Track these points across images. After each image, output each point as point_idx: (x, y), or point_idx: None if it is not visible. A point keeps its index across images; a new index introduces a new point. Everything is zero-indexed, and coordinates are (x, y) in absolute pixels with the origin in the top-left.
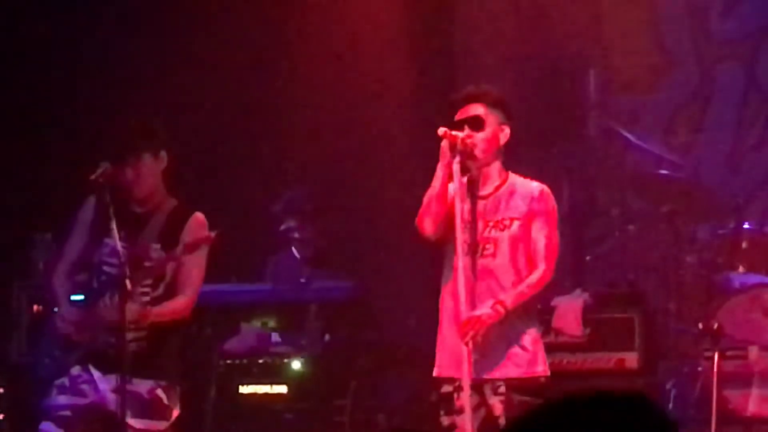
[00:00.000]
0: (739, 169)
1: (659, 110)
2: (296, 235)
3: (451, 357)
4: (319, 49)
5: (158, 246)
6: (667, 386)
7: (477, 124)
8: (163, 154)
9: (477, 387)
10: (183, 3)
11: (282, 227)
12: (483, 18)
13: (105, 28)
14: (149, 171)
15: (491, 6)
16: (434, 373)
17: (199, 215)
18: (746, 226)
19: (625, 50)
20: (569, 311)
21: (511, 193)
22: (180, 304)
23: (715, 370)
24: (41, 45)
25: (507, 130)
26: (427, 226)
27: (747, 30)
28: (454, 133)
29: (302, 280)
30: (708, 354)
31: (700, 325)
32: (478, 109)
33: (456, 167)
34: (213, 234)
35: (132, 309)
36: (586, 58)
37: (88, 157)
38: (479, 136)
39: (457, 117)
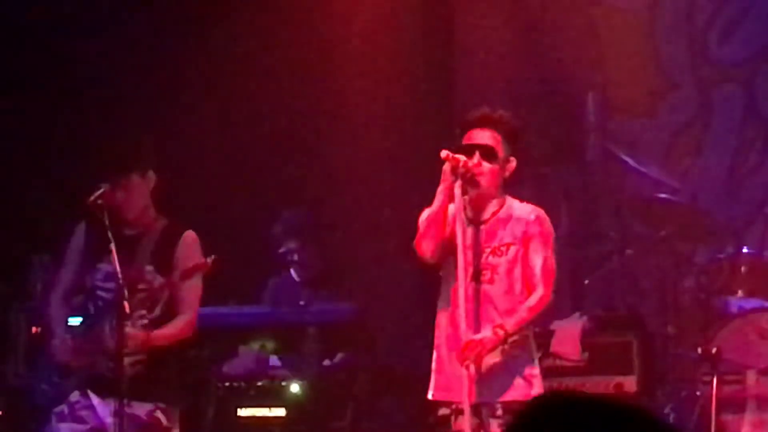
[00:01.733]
0: (737, 193)
1: (658, 134)
2: (295, 257)
3: (448, 380)
4: (317, 69)
5: (151, 268)
6: (666, 410)
7: (490, 154)
8: (151, 174)
9: (475, 410)
10: (176, 21)
11: (281, 250)
12: (481, 39)
13: (100, 48)
14: (138, 191)
15: (489, 27)
16: (430, 397)
17: (190, 233)
18: (745, 250)
19: (624, 73)
20: (568, 335)
21: (508, 218)
22: (182, 324)
23: (714, 394)
24: (39, 69)
25: (513, 163)
26: (426, 248)
27: (746, 54)
28: (456, 156)
29: (301, 303)
30: (706, 378)
31: (699, 350)
32: (489, 137)
33: (457, 190)
34: (210, 260)
35: (133, 335)
36: (585, 81)
37: (85, 178)
38: (488, 167)
39: (468, 140)
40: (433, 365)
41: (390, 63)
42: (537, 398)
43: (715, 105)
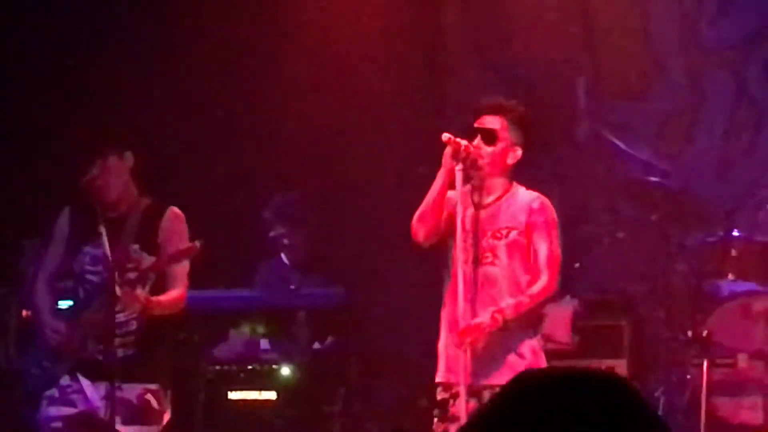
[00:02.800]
0: (728, 176)
1: (649, 118)
2: (285, 241)
3: (450, 363)
4: (307, 55)
5: (137, 247)
6: (656, 394)
7: (489, 137)
8: (129, 154)
9: (475, 393)
10: (167, 4)
11: (271, 233)
12: (472, 22)
13: (88, 31)
14: (116, 173)
15: (480, 11)
16: (437, 380)
17: (174, 209)
18: (736, 233)
19: (615, 58)
20: (559, 318)
21: (511, 204)
22: (175, 296)
23: (705, 377)
24: (18, 54)
25: (519, 152)
26: (421, 232)
27: (737, 38)
28: (457, 140)
29: (291, 287)
30: (697, 362)
31: (690, 333)
32: (495, 123)
33: (458, 174)
34: (198, 244)
35: (134, 296)
36: (576, 65)
37: (77, 160)
38: (487, 150)
39: (477, 124)
40: (439, 348)
41: (381, 46)
42: (509, 383)
43: (706, 89)
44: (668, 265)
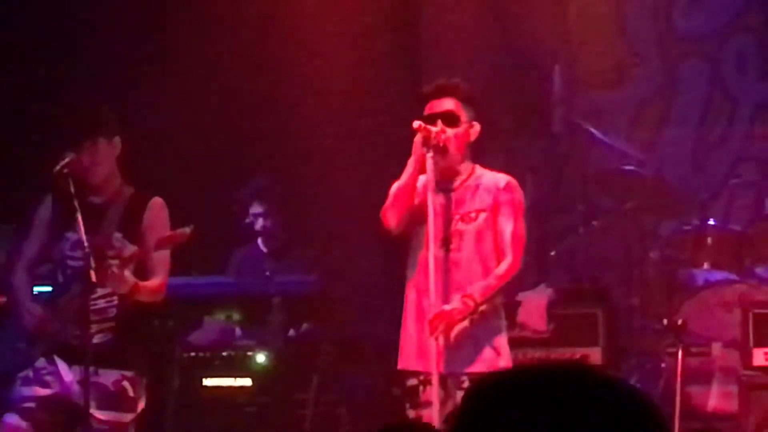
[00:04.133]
0: (703, 165)
1: (624, 106)
2: (261, 222)
3: (417, 350)
4: (286, 40)
5: (120, 235)
6: (631, 382)
7: (451, 119)
8: (117, 140)
9: (442, 381)
10: None
11: (249, 212)
12: (447, 11)
13: (67, 17)
14: (105, 156)
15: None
16: (399, 366)
17: (158, 199)
18: (711, 222)
19: (590, 46)
20: (534, 306)
21: (478, 186)
22: (158, 282)
23: (679, 366)
24: (10, 36)
25: (477, 127)
26: (392, 219)
27: (711, 27)
28: (428, 127)
29: (266, 274)
30: (671, 350)
31: (664, 322)
32: (450, 104)
33: (429, 161)
34: (188, 230)
35: (124, 279)
36: (551, 54)
37: (50, 147)
38: (452, 132)
39: (429, 110)
40: (402, 334)
41: (357, 34)
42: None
43: (680, 78)
44: (643, 253)
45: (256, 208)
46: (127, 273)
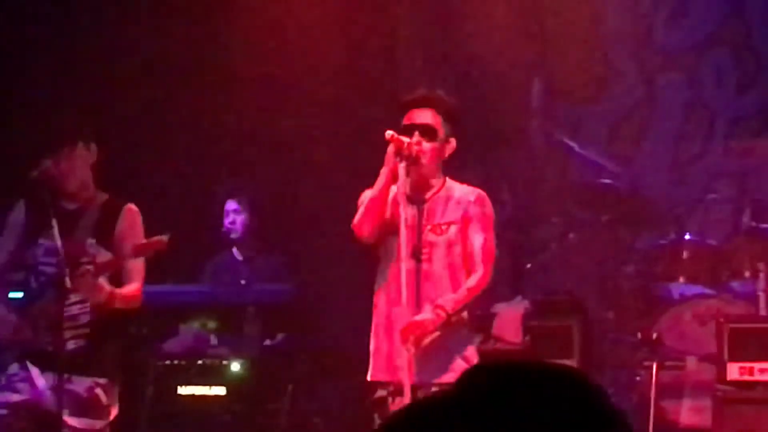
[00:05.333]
0: (680, 180)
1: (602, 119)
2: (233, 218)
3: (386, 361)
4: (261, 53)
5: (93, 241)
6: None
7: (429, 133)
8: (94, 146)
9: (412, 391)
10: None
11: (225, 209)
12: (425, 20)
13: (43, 23)
14: (82, 162)
15: (434, 9)
16: (368, 378)
17: (131, 206)
18: (687, 236)
19: (568, 59)
20: (509, 318)
21: (448, 198)
22: (134, 289)
23: (654, 380)
24: None
25: (453, 143)
26: (365, 229)
27: (690, 41)
28: (401, 137)
29: (242, 282)
30: (646, 364)
31: (639, 335)
32: (428, 116)
33: (401, 171)
34: (165, 238)
35: (100, 287)
36: (530, 66)
37: (25, 152)
38: (428, 146)
39: (408, 120)
40: (372, 346)
41: (331, 45)
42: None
43: (658, 92)
44: (619, 266)
45: (231, 205)
46: (102, 281)
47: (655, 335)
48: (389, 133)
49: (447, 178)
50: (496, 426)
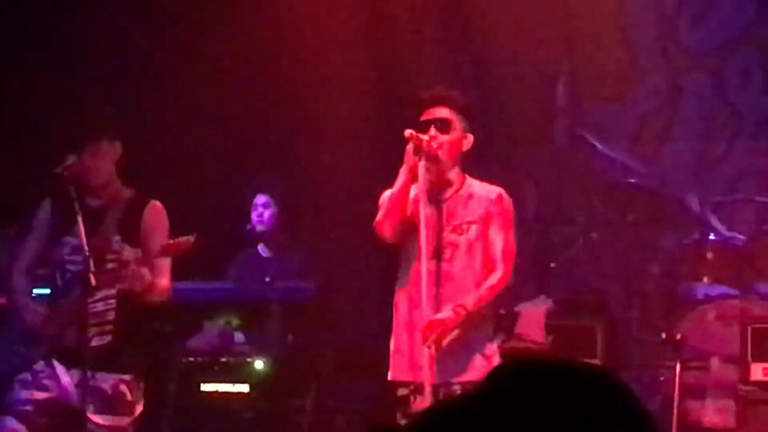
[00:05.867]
0: (705, 179)
1: (627, 119)
2: (261, 211)
3: (408, 361)
4: (287, 44)
5: (118, 238)
6: None
7: (444, 126)
8: (118, 143)
9: (433, 390)
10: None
11: (255, 202)
12: (451, 20)
13: (69, 19)
14: (106, 158)
15: (460, 8)
16: (390, 377)
17: (156, 203)
18: (711, 237)
19: (594, 59)
20: (532, 318)
21: (470, 197)
22: (165, 284)
23: (677, 380)
24: (5, 42)
25: (470, 138)
26: (386, 228)
27: (715, 42)
28: (420, 135)
29: (267, 280)
30: (669, 364)
31: (663, 335)
32: (444, 112)
33: (421, 169)
34: (192, 239)
35: (140, 275)
36: (555, 65)
37: (53, 149)
38: (445, 138)
39: (423, 117)
40: (392, 345)
41: (357, 44)
42: (499, 367)
43: (684, 92)
44: (643, 266)
45: (260, 199)
46: (145, 270)
47: (678, 335)
48: (408, 131)
49: (467, 176)
50: (530, 424)
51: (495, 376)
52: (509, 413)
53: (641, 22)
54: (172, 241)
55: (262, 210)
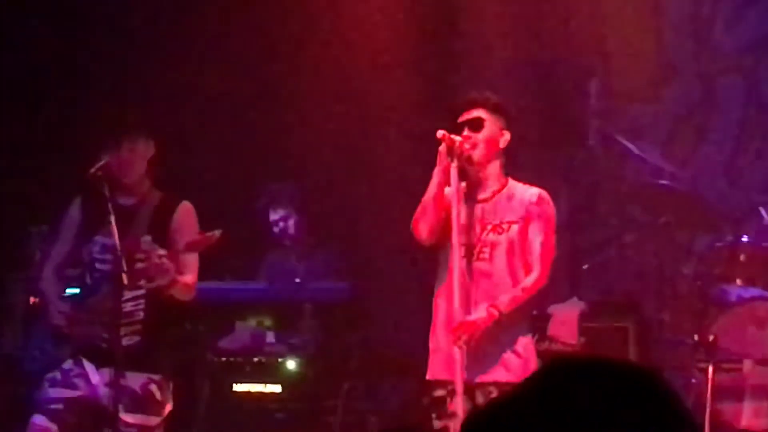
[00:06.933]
0: (738, 182)
1: (660, 121)
2: (282, 227)
3: (444, 360)
4: (316, 47)
5: (149, 238)
6: None
7: (476, 125)
8: (151, 142)
9: (469, 391)
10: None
11: (272, 219)
12: (484, 22)
13: (101, 21)
14: (141, 156)
15: (492, 11)
16: (427, 377)
17: (186, 204)
18: (744, 239)
19: (628, 59)
20: (565, 319)
21: (510, 198)
22: (190, 281)
23: (709, 382)
24: (38, 39)
25: (507, 135)
26: (423, 230)
27: (749, 43)
28: (452, 136)
29: (297, 280)
30: (702, 366)
31: (695, 337)
32: (478, 113)
33: (453, 171)
34: (217, 234)
35: (165, 268)
36: (588, 66)
37: (85, 148)
38: (478, 137)
39: (458, 121)
40: (431, 345)
41: (391, 46)
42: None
43: (717, 93)
44: (676, 268)
45: (274, 215)
46: (170, 265)
47: (711, 337)
48: (441, 132)
49: (510, 179)
50: (577, 424)
51: (541, 376)
52: (559, 414)
53: (676, 23)
54: (197, 237)
55: (283, 224)
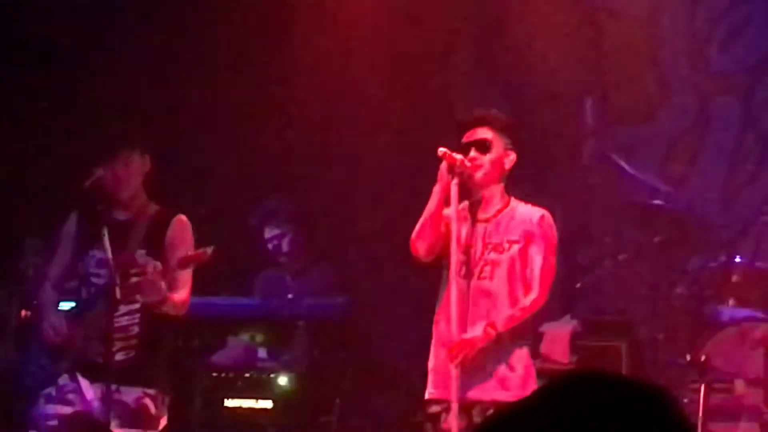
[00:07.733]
0: (732, 202)
1: (655, 141)
2: (277, 244)
3: (442, 378)
4: (311, 63)
5: (144, 251)
6: None
7: (484, 146)
8: (148, 157)
9: (465, 409)
10: (172, 8)
11: (267, 236)
12: (480, 40)
13: (98, 34)
14: (137, 170)
15: (487, 30)
16: (426, 395)
17: (182, 217)
18: (738, 259)
19: (623, 79)
20: (557, 338)
21: (512, 217)
22: (183, 297)
23: (701, 402)
24: (33, 54)
25: (513, 156)
26: (421, 248)
27: (745, 64)
28: (453, 155)
29: (290, 296)
30: (694, 386)
31: (688, 357)
32: (486, 133)
33: (454, 189)
34: (209, 250)
35: (158, 288)
36: (584, 86)
37: (80, 162)
38: (485, 159)
39: (464, 140)
40: (430, 363)
41: (386, 63)
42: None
43: (712, 114)
44: (669, 288)
45: (269, 232)
46: (162, 283)
47: (703, 357)
48: (441, 150)
49: (512, 198)
50: None
51: (553, 391)
52: (566, 427)
53: (671, 44)
54: (189, 254)
55: (277, 242)
